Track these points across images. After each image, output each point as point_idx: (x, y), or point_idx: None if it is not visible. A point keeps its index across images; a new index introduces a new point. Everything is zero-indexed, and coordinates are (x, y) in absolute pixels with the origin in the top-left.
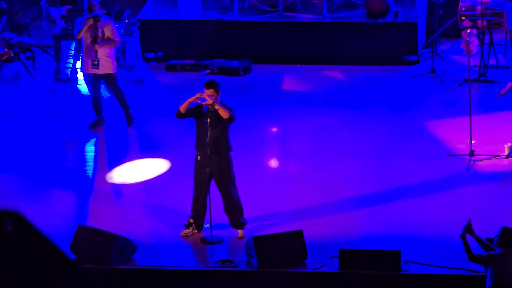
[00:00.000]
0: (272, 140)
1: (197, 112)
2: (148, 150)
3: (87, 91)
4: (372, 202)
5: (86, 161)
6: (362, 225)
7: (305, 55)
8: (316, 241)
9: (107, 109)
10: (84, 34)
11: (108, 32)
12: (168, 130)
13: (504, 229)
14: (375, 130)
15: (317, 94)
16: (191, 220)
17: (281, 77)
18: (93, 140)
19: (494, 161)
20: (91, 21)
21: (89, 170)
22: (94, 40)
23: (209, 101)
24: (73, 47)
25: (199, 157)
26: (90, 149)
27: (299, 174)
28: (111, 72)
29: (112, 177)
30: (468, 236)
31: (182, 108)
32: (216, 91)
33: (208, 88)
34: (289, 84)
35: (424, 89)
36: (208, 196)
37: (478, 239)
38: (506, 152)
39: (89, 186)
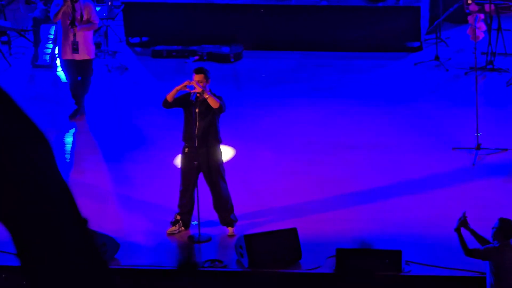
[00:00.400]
0: (265, 132)
1: (185, 101)
2: (132, 142)
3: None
4: (372, 198)
5: (64, 153)
6: (361, 223)
7: (301, 40)
8: (312, 240)
9: (89, 97)
10: (62, 17)
11: (87, 14)
12: (153, 120)
13: (502, 221)
14: (375, 122)
15: (313, 83)
16: (178, 217)
17: (275, 65)
18: (72, 131)
19: (501, 154)
20: (68, 3)
21: (68, 162)
22: (72, 23)
23: (198, 89)
24: (52, 31)
25: (186, 149)
26: (69, 140)
27: (293, 168)
28: (90, 57)
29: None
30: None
31: (169, 97)
32: (206, 77)
33: (197, 73)
34: (284, 72)
35: (428, 77)
36: (196, 191)
37: (473, 232)
38: None
39: (67, 179)
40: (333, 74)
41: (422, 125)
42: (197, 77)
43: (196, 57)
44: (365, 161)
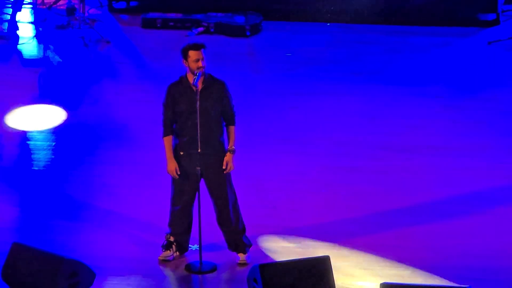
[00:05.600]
0: (288, 129)
1: (182, 98)
2: (111, 139)
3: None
4: (429, 217)
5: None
6: (414, 250)
7: (338, 10)
8: (349, 272)
9: (58, 79)
10: None
11: None
12: (141, 111)
13: None
14: (435, 118)
15: (354, 65)
16: (171, 239)
17: (304, 40)
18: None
19: None
20: None
21: (35, 166)
22: None
23: (229, 168)
24: None
25: (182, 151)
26: (34, 136)
27: (324, 177)
28: None
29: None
30: None
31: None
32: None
33: (197, 49)
34: (315, 50)
35: (506, 61)
36: (195, 204)
37: None
38: None
39: (32, 187)
40: (380, 54)
41: (497, 123)
42: (199, 55)
43: (201, 29)
44: (420, 169)
